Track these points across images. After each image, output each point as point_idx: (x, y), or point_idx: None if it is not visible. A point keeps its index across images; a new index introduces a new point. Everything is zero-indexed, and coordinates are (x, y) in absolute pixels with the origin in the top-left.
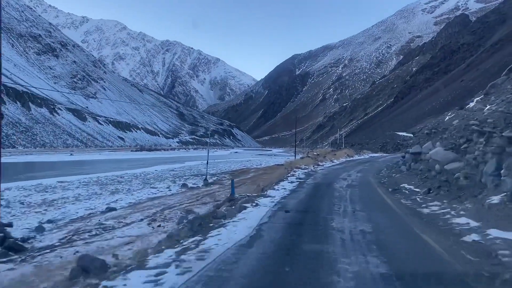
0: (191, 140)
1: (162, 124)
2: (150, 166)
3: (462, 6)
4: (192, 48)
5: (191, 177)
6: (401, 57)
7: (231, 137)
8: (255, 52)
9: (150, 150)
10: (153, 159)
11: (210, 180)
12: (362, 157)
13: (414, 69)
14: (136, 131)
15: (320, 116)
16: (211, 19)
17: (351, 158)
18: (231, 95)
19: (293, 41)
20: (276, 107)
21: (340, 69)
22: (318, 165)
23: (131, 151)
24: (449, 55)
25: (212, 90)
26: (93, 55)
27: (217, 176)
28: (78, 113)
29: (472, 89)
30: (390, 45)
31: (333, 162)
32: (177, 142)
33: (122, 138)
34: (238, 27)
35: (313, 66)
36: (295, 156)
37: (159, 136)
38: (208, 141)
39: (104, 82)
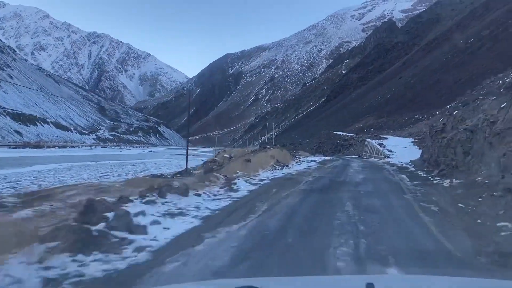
0: (111, 137)
1: (79, 119)
2: None
3: (388, 15)
4: (121, 41)
5: None
6: (331, 60)
7: (157, 135)
8: (188, 49)
9: (37, 146)
10: None
11: None
12: (304, 165)
13: (343, 71)
14: (43, 125)
15: (252, 116)
16: (143, 12)
17: (286, 171)
18: (161, 91)
19: (226, 39)
20: (208, 105)
21: (272, 70)
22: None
23: (9, 147)
24: (383, 54)
25: (141, 86)
26: (0, 40)
27: None
28: None
29: (414, 86)
30: (321, 49)
31: (232, 191)
32: (93, 139)
33: (19, 133)
34: (171, 22)
35: (246, 66)
36: (186, 165)
37: (71, 131)
38: None
39: (12, 70)
